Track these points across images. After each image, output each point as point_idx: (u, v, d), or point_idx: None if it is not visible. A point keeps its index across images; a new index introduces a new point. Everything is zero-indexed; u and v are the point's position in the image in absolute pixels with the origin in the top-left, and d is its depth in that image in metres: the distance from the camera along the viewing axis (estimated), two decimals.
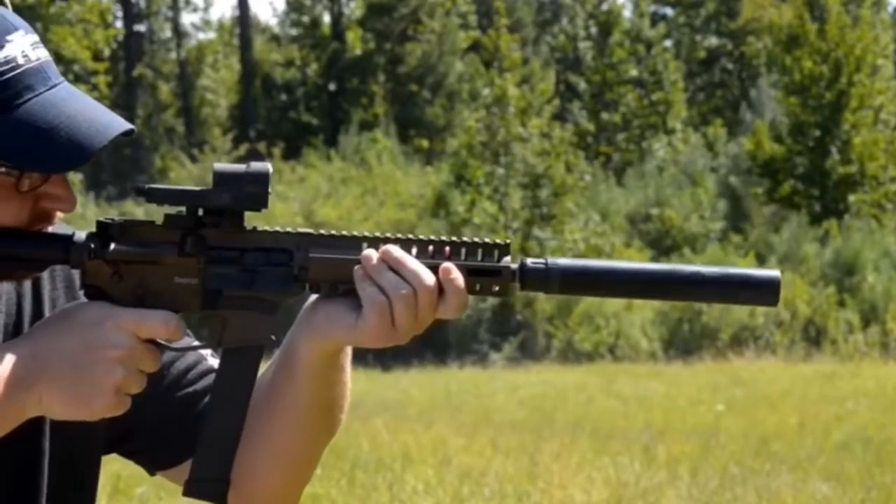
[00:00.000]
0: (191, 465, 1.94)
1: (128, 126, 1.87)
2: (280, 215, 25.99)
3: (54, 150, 1.82)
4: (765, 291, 1.88)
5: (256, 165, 1.86)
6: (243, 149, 37.93)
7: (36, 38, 1.87)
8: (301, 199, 28.59)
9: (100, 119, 1.86)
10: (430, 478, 9.93)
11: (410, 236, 1.89)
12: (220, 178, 1.85)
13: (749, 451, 11.59)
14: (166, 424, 2.04)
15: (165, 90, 46.66)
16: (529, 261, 1.88)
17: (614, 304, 25.23)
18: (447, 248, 1.88)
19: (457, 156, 29.48)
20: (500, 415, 14.75)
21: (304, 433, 2.01)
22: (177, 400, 2.04)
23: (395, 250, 1.86)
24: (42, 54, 1.87)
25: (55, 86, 1.87)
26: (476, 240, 1.89)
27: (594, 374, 21.15)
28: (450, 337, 24.76)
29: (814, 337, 25.75)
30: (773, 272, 1.89)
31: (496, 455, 11.29)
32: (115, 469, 9.06)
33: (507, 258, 1.89)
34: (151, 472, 2.11)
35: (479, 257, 1.88)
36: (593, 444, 11.88)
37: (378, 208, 27.66)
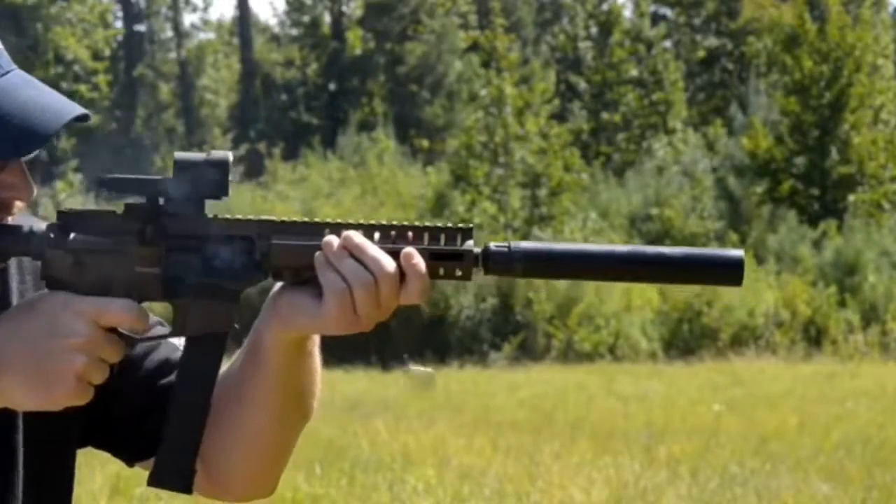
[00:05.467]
0: (155, 455, 1.94)
1: (81, 111, 1.86)
2: (280, 215, 25.97)
3: (7, 136, 1.81)
4: (728, 272, 1.88)
5: (216, 153, 1.86)
6: (243, 149, 37.94)
7: None
8: (301, 198, 28.59)
9: (53, 105, 1.85)
10: (430, 478, 9.93)
11: (373, 222, 1.88)
12: (179, 166, 1.84)
13: (749, 451, 11.59)
14: (141, 415, 2.04)
15: (165, 90, 46.67)
16: (492, 244, 1.87)
17: (614, 304, 25.23)
18: (409, 233, 1.87)
19: (456, 156, 29.48)
20: (500, 415, 14.75)
21: (274, 420, 2.00)
22: (151, 391, 2.04)
23: (356, 236, 1.85)
24: None
25: (6, 73, 1.86)
26: (438, 224, 1.88)
27: (594, 374, 21.15)
28: (450, 337, 24.76)
29: (814, 337, 25.74)
30: (737, 252, 1.89)
31: (496, 455, 11.28)
32: (114, 469, 9.06)
33: (470, 242, 1.88)
34: (129, 464, 2.11)
35: (442, 242, 1.87)
36: (593, 444, 11.87)
37: (378, 208, 27.65)
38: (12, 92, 1.84)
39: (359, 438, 12.16)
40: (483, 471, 10.31)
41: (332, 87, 44.18)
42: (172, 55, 48.14)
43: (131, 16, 47.91)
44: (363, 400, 15.86)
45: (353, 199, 28.10)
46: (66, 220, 1.86)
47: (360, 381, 18.95)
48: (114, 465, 9.12)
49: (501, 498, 9.34)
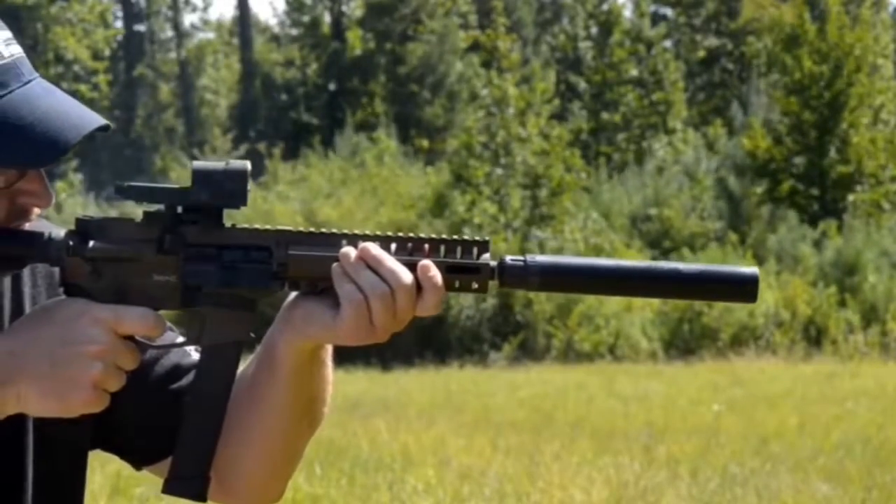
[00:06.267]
0: (170, 462, 1.94)
1: (102, 122, 1.87)
2: (280, 215, 25.97)
3: (30, 146, 1.82)
4: (743, 289, 1.90)
5: (235, 163, 1.87)
6: (243, 149, 37.96)
7: (9, 34, 1.87)
8: (301, 199, 28.58)
9: (75, 114, 1.86)
10: (430, 478, 9.93)
11: (389, 234, 1.90)
12: (198, 175, 1.85)
13: (749, 451, 11.59)
14: (152, 419, 2.04)
15: (165, 90, 46.69)
16: (508, 258, 1.89)
17: (614, 304, 25.23)
18: (426, 246, 1.89)
19: (457, 156, 29.48)
20: (500, 415, 14.75)
21: (286, 428, 2.02)
22: (162, 395, 2.05)
23: (373, 248, 1.86)
24: (16, 50, 1.87)
25: (29, 82, 1.86)
26: (455, 237, 1.89)
27: (594, 374, 21.15)
28: (450, 337, 24.76)
29: (814, 337, 25.73)
30: (752, 269, 1.91)
31: (496, 455, 11.28)
32: (114, 469, 9.06)
33: (487, 255, 1.89)
34: (138, 468, 2.11)
35: (458, 255, 1.89)
36: (593, 444, 11.87)
37: (378, 208, 27.65)
38: (34, 101, 1.84)
39: (359, 438, 12.16)
40: (483, 471, 10.31)
41: (332, 87, 44.18)
42: (172, 55, 48.16)
43: (131, 16, 47.93)
44: (363, 400, 15.86)
45: (353, 199, 28.10)
46: (85, 227, 1.87)
47: (360, 381, 18.95)
48: (114, 465, 9.12)
49: (501, 498, 9.34)
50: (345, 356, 21.04)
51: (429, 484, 9.68)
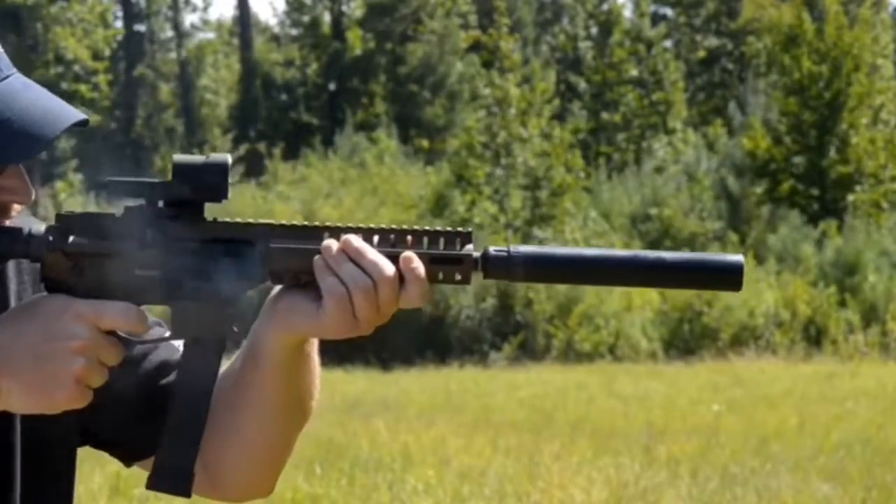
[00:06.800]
0: (154, 458, 1.94)
1: (81, 116, 1.86)
2: (280, 215, 25.95)
3: (7, 141, 1.81)
4: (728, 277, 1.89)
5: (215, 156, 1.85)
6: (243, 149, 37.95)
7: None
8: (301, 199, 28.57)
9: (53, 110, 1.85)
10: (430, 478, 9.93)
11: (372, 226, 1.88)
12: (178, 169, 1.84)
13: (749, 451, 11.59)
14: (140, 415, 2.04)
15: (165, 90, 46.67)
16: (492, 248, 1.88)
17: (614, 304, 25.23)
18: (409, 237, 1.87)
19: (457, 156, 29.48)
20: (500, 415, 14.75)
21: (273, 422, 2.01)
22: (150, 391, 2.04)
23: (355, 240, 1.85)
24: None
25: (6, 77, 1.86)
26: (438, 228, 1.88)
27: (594, 374, 21.15)
28: (450, 337, 24.76)
29: (814, 337, 25.73)
30: (737, 257, 1.90)
31: (496, 455, 11.28)
32: (114, 469, 9.06)
33: (470, 246, 1.88)
34: (128, 464, 2.11)
35: (442, 246, 1.87)
36: (593, 444, 11.87)
37: (378, 208, 27.64)
38: (12, 96, 1.84)
39: (359, 438, 12.16)
40: (483, 471, 10.31)
41: (332, 87, 44.18)
42: (172, 55, 48.15)
43: (131, 16, 47.91)
44: (363, 400, 15.87)
45: (353, 199, 28.09)
46: (66, 222, 1.86)
47: (360, 381, 18.95)
48: (113, 465, 9.11)
49: (501, 498, 9.34)
50: (345, 356, 21.02)
51: (429, 484, 9.68)
